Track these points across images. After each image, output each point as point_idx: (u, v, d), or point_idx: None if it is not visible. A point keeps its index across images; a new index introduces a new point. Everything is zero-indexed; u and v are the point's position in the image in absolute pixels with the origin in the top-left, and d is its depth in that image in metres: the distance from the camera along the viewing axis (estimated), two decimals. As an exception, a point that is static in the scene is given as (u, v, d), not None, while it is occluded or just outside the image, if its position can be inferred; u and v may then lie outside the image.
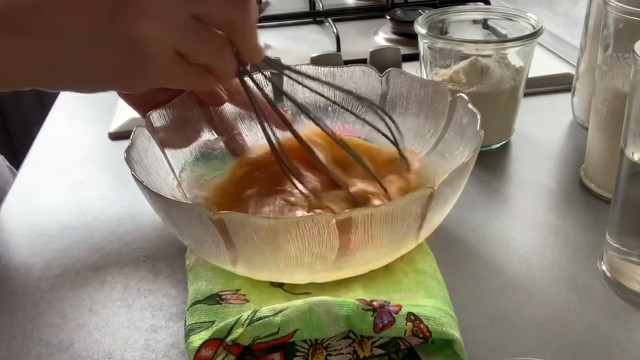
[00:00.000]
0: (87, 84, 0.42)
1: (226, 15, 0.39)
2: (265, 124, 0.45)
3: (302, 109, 0.49)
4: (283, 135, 0.47)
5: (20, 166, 0.64)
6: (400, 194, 0.46)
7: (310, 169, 0.48)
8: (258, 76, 0.50)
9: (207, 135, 0.52)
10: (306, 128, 0.50)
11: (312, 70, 0.54)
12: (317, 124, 0.48)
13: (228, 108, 0.53)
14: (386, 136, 0.50)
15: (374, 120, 0.51)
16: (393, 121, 0.50)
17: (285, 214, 0.46)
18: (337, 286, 0.42)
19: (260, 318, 0.36)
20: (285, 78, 0.54)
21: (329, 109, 0.55)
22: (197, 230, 0.39)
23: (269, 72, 0.54)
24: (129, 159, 0.42)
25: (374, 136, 0.54)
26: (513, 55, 0.60)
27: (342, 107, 0.53)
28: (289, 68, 0.49)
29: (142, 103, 0.50)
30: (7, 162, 0.78)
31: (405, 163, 0.49)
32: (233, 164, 0.52)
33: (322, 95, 0.52)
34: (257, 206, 0.47)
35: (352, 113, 0.52)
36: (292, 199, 0.47)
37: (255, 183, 0.49)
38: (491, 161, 0.60)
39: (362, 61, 0.73)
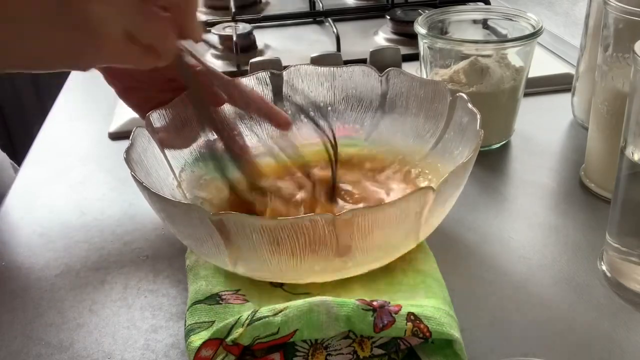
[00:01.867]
0: (38, 64, 0.43)
1: None
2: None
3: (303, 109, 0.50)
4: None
5: (21, 166, 0.64)
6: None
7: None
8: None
9: (207, 135, 0.52)
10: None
11: (311, 69, 0.54)
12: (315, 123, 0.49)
13: (228, 108, 0.53)
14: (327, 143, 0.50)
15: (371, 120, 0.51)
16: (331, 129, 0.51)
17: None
18: (337, 286, 0.42)
19: (260, 318, 0.36)
20: (285, 78, 0.54)
21: (329, 109, 0.55)
22: (197, 231, 0.39)
23: (268, 72, 0.54)
24: (128, 160, 0.42)
25: (374, 136, 0.54)
26: (513, 55, 0.60)
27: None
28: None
29: (142, 104, 0.50)
30: (11, 161, 0.78)
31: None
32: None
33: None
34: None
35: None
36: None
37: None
38: (491, 161, 0.60)
39: (362, 61, 0.73)
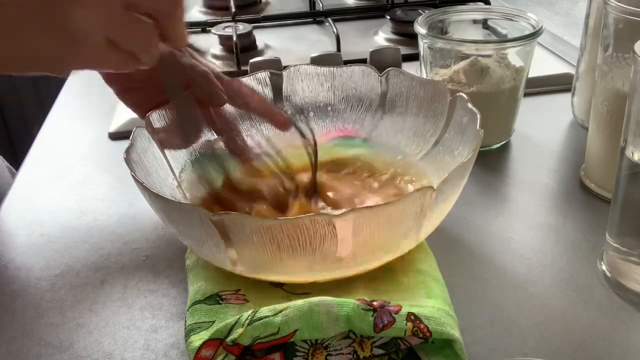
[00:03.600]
0: (17, 67, 0.43)
1: (157, 5, 0.41)
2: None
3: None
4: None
5: (20, 166, 0.64)
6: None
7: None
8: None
9: (207, 135, 0.52)
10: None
11: (311, 69, 0.54)
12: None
13: (228, 108, 0.53)
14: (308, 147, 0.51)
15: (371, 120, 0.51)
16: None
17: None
18: (337, 286, 0.42)
19: (261, 318, 0.36)
20: (285, 78, 0.54)
21: (329, 109, 0.55)
22: (197, 231, 0.39)
23: (268, 72, 0.54)
24: (128, 160, 0.42)
25: (374, 136, 0.54)
26: (513, 55, 0.60)
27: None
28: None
29: (141, 104, 0.50)
30: (7, 163, 0.78)
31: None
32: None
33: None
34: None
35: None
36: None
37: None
38: (491, 161, 0.60)
39: (362, 61, 0.73)
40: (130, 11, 0.40)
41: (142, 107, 0.50)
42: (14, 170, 0.77)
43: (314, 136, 0.51)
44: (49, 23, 0.39)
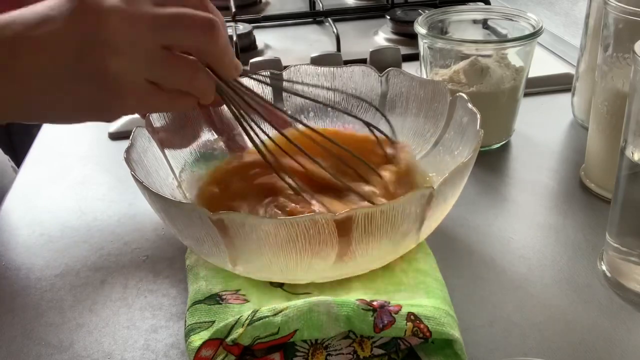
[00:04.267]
0: (62, 118, 0.43)
1: (195, 42, 0.40)
2: (249, 129, 0.45)
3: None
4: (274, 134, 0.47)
5: (21, 166, 0.64)
6: (396, 180, 0.47)
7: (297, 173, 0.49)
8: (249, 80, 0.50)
9: (207, 135, 0.52)
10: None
11: (311, 69, 0.54)
12: (306, 125, 0.48)
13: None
14: (381, 131, 0.50)
15: (372, 120, 0.51)
16: (387, 119, 0.51)
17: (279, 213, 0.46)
18: (337, 286, 0.42)
19: (261, 318, 0.36)
20: (285, 78, 0.54)
21: (329, 109, 0.55)
22: (197, 231, 0.39)
23: (268, 72, 0.54)
24: (128, 160, 0.42)
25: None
26: (513, 55, 0.60)
27: (335, 107, 0.53)
28: (276, 78, 0.50)
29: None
30: (12, 163, 0.78)
31: (395, 151, 0.49)
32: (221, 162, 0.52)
33: (313, 100, 0.52)
34: (249, 207, 0.47)
35: (348, 113, 0.52)
36: (281, 199, 0.47)
37: (245, 184, 0.49)
38: (491, 161, 0.60)
39: (362, 61, 0.73)
40: (169, 51, 0.40)
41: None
42: (17, 169, 0.77)
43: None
44: (87, 74, 0.38)
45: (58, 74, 0.39)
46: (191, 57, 0.41)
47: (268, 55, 0.79)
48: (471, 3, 0.93)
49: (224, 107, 0.52)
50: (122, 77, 0.39)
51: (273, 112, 0.48)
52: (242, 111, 0.45)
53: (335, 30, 0.81)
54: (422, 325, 0.36)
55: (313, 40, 0.87)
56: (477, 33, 0.67)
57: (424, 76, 0.63)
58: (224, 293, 0.41)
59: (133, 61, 0.39)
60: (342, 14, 0.93)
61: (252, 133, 0.45)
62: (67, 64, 0.38)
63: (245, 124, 0.45)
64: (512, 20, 0.64)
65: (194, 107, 0.44)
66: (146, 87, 0.40)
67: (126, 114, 0.43)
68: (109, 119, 0.43)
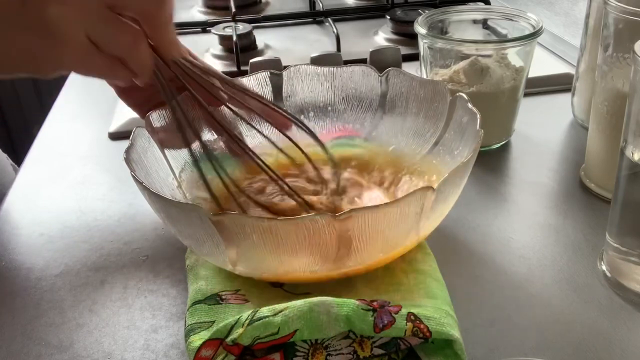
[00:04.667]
0: (6, 69, 0.43)
1: (139, 5, 0.40)
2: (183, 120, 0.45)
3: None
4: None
5: (21, 166, 0.64)
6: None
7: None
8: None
9: (207, 135, 0.52)
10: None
11: (311, 69, 0.54)
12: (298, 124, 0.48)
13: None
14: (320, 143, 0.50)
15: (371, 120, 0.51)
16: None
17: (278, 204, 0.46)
18: (337, 286, 0.42)
19: (261, 318, 0.36)
20: (285, 78, 0.54)
21: (329, 109, 0.55)
22: (197, 231, 0.39)
23: (268, 72, 0.54)
24: (128, 160, 0.42)
25: (374, 136, 0.54)
26: (513, 55, 0.60)
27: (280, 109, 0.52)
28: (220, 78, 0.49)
29: (141, 104, 0.50)
30: (10, 161, 0.78)
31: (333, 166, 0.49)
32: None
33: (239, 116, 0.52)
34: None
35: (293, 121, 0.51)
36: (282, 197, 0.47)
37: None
38: (491, 161, 0.60)
39: (362, 61, 0.73)
40: (113, 11, 0.39)
41: (142, 106, 0.50)
42: (17, 167, 0.77)
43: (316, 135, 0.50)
44: (28, 22, 0.38)
45: (2, 22, 0.39)
46: (135, 26, 0.41)
47: (268, 55, 0.79)
48: (471, 3, 0.93)
49: (224, 107, 0.52)
50: (63, 27, 0.38)
51: (237, 99, 0.48)
52: (176, 101, 0.45)
53: (335, 30, 0.81)
54: (422, 326, 0.36)
55: (313, 40, 0.87)
56: (477, 33, 0.67)
57: (424, 76, 0.63)
58: (224, 293, 0.41)
59: (76, 13, 0.38)
60: (342, 14, 0.93)
61: (183, 122, 0.45)
62: (9, 9, 0.38)
63: (179, 115, 0.45)
64: (512, 20, 0.64)
65: (129, 83, 0.43)
66: (86, 44, 0.39)
67: (61, 69, 0.42)
68: (44, 71, 0.42)
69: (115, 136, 0.67)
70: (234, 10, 0.87)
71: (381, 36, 0.87)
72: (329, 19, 0.87)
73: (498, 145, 0.62)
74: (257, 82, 0.54)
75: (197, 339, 0.37)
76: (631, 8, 0.47)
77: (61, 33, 0.39)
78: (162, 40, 0.43)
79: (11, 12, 0.38)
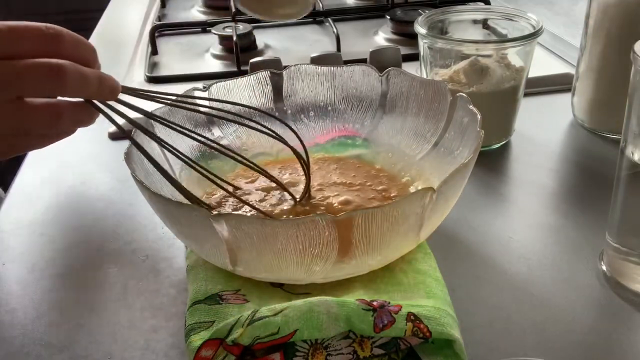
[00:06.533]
0: None
1: (44, 90, 0.40)
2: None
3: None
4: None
5: (21, 166, 0.64)
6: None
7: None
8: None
9: (207, 135, 0.52)
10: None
11: (311, 69, 0.54)
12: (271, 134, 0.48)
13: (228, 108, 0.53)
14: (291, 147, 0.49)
15: (371, 121, 0.51)
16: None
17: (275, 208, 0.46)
18: (337, 286, 0.42)
19: (261, 318, 0.36)
20: (285, 78, 0.54)
21: (329, 109, 0.55)
22: (197, 231, 0.39)
23: (268, 72, 0.54)
24: (128, 160, 0.42)
25: (374, 136, 0.54)
26: (513, 55, 0.60)
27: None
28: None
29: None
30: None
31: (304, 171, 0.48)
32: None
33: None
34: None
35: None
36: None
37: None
38: (491, 161, 0.60)
39: (362, 61, 0.73)
40: (23, 101, 0.40)
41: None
42: (3, 193, 0.76)
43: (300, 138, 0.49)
44: None
45: None
46: (52, 99, 0.41)
47: (268, 55, 0.79)
48: (471, 3, 0.93)
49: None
50: None
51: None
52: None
53: (335, 30, 0.81)
54: (422, 326, 0.36)
55: (313, 40, 0.87)
56: (477, 33, 0.67)
57: (424, 76, 0.63)
58: (224, 293, 0.41)
59: None
60: (342, 14, 0.93)
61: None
62: None
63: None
64: (512, 20, 0.64)
65: (82, 125, 0.45)
66: (11, 137, 0.41)
67: (23, 152, 0.45)
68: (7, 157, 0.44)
69: (115, 136, 0.67)
70: (234, 10, 0.87)
71: (381, 36, 0.87)
72: (329, 19, 0.87)
73: (498, 145, 0.62)
74: (257, 82, 0.54)
75: (197, 339, 0.37)
76: None
77: None
78: (92, 96, 0.43)
79: None
